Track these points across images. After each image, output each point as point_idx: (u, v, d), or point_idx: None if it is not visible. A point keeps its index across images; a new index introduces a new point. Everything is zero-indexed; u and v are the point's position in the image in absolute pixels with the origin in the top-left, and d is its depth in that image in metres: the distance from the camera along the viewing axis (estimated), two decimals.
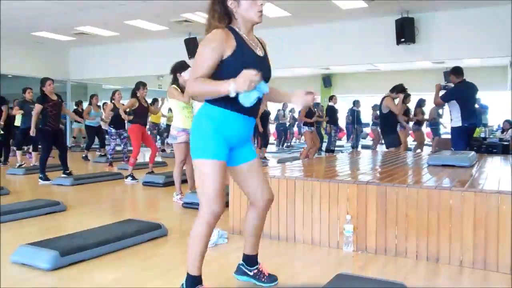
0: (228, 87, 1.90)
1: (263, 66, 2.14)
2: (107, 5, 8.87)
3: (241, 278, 2.49)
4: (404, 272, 2.86)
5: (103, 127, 10.22)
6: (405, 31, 9.06)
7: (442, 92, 6.49)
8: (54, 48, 13.32)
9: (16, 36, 11.65)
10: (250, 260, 2.49)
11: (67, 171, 6.99)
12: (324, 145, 12.48)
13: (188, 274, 2.21)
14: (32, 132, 6.58)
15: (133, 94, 6.91)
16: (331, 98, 11.88)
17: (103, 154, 10.26)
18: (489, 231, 2.84)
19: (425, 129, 11.79)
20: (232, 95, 1.90)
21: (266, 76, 2.14)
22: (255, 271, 2.48)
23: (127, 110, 7.21)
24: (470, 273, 2.82)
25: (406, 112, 8.94)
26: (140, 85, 6.93)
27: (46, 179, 6.65)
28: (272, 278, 2.51)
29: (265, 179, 2.38)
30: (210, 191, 2.10)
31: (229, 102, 2.04)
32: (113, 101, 8.61)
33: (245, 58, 2.08)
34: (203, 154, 2.10)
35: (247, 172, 2.29)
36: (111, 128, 8.51)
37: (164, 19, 9.96)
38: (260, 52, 2.20)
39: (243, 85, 1.87)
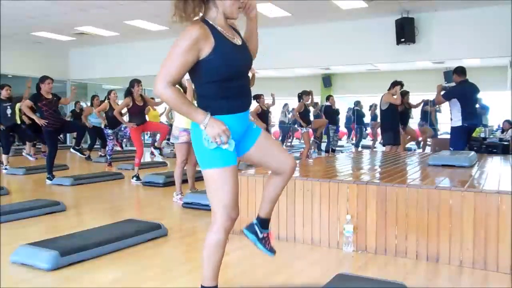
0: (202, 120, 1.91)
1: (243, 55, 2.08)
2: (107, 5, 8.87)
3: (249, 235, 2.37)
4: (404, 272, 2.86)
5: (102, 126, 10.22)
6: (405, 31, 9.07)
7: (443, 92, 6.52)
8: (54, 48, 13.32)
9: (16, 36, 11.66)
10: (264, 223, 2.38)
11: (77, 147, 6.95)
12: (324, 145, 12.48)
13: (203, 287, 2.09)
14: (43, 123, 6.37)
15: (128, 93, 6.72)
16: (328, 98, 11.91)
17: (103, 154, 10.26)
18: (489, 231, 2.84)
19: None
20: (201, 127, 1.93)
21: (247, 64, 2.11)
22: (265, 234, 2.39)
23: (122, 111, 7.12)
24: (470, 273, 2.82)
25: (407, 112, 8.95)
26: (135, 82, 6.72)
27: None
28: (273, 250, 2.41)
29: (280, 147, 2.34)
30: (226, 198, 2.02)
31: (221, 107, 2.00)
32: (108, 101, 8.55)
33: (226, 53, 1.97)
34: (212, 163, 2.01)
35: (260, 150, 2.20)
36: (108, 129, 8.45)
37: (164, 19, 9.96)
38: (238, 41, 2.07)
39: (210, 131, 1.90)
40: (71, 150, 6.94)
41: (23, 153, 9.88)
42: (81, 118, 12.27)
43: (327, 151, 11.69)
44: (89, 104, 11.63)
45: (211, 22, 1.99)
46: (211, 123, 1.90)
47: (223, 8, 2.00)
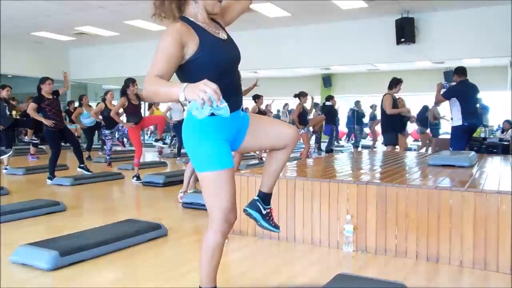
0: (179, 90, 1.62)
1: (230, 50, 2.00)
2: (107, 5, 8.87)
3: (252, 212, 2.29)
4: (404, 272, 2.86)
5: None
6: (405, 31, 9.08)
7: (443, 91, 6.50)
8: (54, 48, 13.32)
9: (16, 36, 11.66)
10: (267, 198, 2.32)
11: (82, 165, 6.96)
12: (324, 145, 12.49)
13: None
14: (50, 123, 6.38)
15: (123, 93, 6.70)
16: (331, 98, 11.91)
17: (87, 156, 10.20)
18: (489, 231, 2.84)
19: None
20: (181, 99, 1.65)
21: (236, 59, 2.02)
22: (268, 210, 2.33)
23: (119, 111, 7.09)
24: (470, 273, 2.82)
25: (403, 116, 8.93)
26: (130, 81, 6.67)
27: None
28: (278, 226, 2.37)
29: (274, 122, 2.25)
30: (223, 201, 1.97)
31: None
32: (104, 101, 8.55)
33: (212, 48, 1.90)
34: (208, 166, 1.94)
35: (254, 137, 2.11)
36: (105, 130, 8.46)
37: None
38: (223, 35, 1.99)
39: (191, 92, 1.59)
40: (77, 169, 6.99)
41: (26, 139, 9.98)
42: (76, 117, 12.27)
43: (327, 151, 11.69)
44: (77, 104, 11.59)
45: (191, 19, 1.92)
46: (189, 86, 1.61)
47: (204, 3, 1.94)
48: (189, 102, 1.62)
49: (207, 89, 1.56)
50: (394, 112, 6.93)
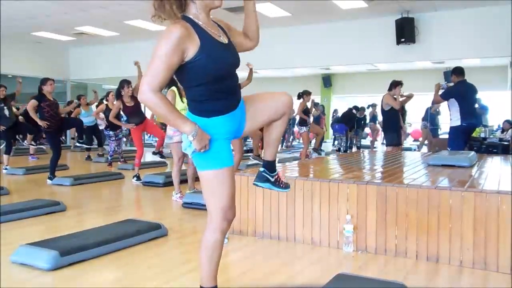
0: (189, 132, 1.86)
1: (231, 54, 1.99)
2: (107, 5, 8.87)
3: (263, 185, 2.35)
4: (404, 272, 2.86)
5: (100, 127, 10.18)
6: (405, 31, 9.08)
7: (442, 92, 6.51)
8: (54, 48, 13.33)
9: (16, 36, 11.66)
10: (271, 166, 2.36)
11: (81, 140, 6.94)
12: (327, 145, 12.49)
13: None
14: (44, 125, 6.34)
15: (118, 95, 6.67)
16: (358, 109, 12.42)
17: (100, 153, 10.22)
18: (489, 231, 2.84)
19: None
20: (190, 139, 1.88)
21: (236, 64, 2.01)
22: (276, 177, 2.37)
23: (116, 114, 7.06)
24: (470, 273, 2.82)
25: (403, 113, 8.95)
26: (124, 83, 6.63)
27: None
28: (288, 185, 2.44)
29: (265, 96, 2.20)
30: (222, 199, 2.00)
31: (214, 109, 1.95)
32: (106, 102, 8.56)
33: (213, 51, 1.88)
34: (208, 165, 1.98)
35: (253, 118, 2.12)
36: (109, 131, 8.47)
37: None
38: (224, 39, 1.97)
39: (197, 144, 1.88)
40: (76, 143, 7.02)
41: (25, 143, 10.01)
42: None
43: (345, 150, 11.77)
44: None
45: (193, 18, 1.89)
46: (199, 136, 1.87)
47: (201, 3, 1.90)
48: (187, 138, 1.90)
49: (206, 148, 1.91)
50: (401, 103, 7.25)
